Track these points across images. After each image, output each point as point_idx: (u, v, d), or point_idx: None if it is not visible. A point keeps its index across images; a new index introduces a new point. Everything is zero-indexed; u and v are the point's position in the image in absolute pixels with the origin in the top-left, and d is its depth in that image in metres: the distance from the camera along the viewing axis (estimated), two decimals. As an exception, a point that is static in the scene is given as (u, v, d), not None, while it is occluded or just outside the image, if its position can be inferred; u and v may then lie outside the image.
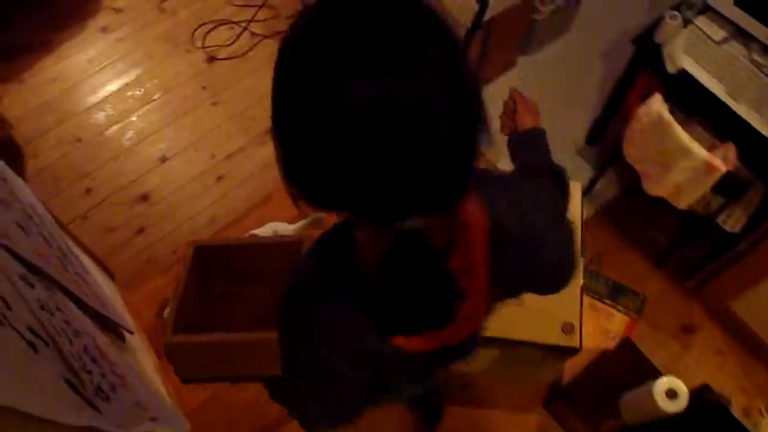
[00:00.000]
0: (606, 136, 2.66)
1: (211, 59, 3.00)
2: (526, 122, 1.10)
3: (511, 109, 1.16)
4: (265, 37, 3.04)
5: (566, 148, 2.72)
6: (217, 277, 1.74)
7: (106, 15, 3.14)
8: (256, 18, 3.09)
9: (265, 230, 2.14)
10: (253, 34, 3.07)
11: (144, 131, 2.83)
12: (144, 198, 2.67)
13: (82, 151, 2.78)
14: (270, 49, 3.01)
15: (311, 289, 0.79)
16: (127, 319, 1.92)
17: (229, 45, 3.03)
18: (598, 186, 2.59)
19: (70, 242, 1.97)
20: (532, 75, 2.94)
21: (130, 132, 2.83)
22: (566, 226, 0.98)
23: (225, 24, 3.09)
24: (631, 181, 2.33)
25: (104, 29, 3.10)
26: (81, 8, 3.14)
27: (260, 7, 3.12)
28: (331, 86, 0.55)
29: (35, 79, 2.95)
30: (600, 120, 2.63)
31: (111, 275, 2.40)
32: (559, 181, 1.02)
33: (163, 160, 2.75)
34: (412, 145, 0.55)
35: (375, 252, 0.68)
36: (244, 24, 3.08)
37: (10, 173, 1.57)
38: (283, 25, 3.08)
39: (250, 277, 1.74)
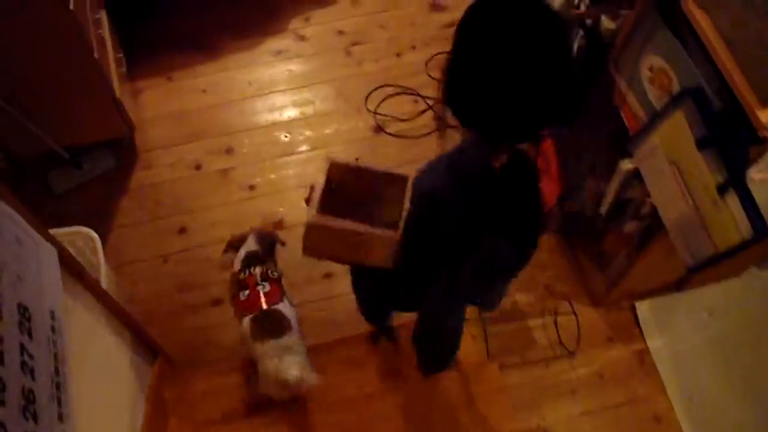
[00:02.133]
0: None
1: (378, 129, 2.50)
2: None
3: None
4: (448, 127, 2.49)
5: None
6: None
7: (287, 39, 2.72)
8: (447, 100, 2.56)
9: None
10: (437, 117, 2.53)
11: (271, 185, 2.38)
12: (237, 264, 2.20)
13: (196, 182, 2.37)
14: (445, 143, 2.46)
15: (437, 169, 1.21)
16: None
17: (404, 120, 2.52)
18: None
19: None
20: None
21: (257, 179, 2.38)
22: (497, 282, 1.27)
23: (410, 95, 2.58)
24: None
25: (279, 53, 2.68)
26: (264, 23, 2.74)
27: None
28: (488, 57, 0.94)
29: (184, 83, 2.59)
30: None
31: (154, 352, 1.90)
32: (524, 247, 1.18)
33: (279, 226, 2.27)
34: (517, 104, 0.96)
35: (498, 160, 1.10)
36: (431, 101, 2.56)
37: (47, 254, 1.10)
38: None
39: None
